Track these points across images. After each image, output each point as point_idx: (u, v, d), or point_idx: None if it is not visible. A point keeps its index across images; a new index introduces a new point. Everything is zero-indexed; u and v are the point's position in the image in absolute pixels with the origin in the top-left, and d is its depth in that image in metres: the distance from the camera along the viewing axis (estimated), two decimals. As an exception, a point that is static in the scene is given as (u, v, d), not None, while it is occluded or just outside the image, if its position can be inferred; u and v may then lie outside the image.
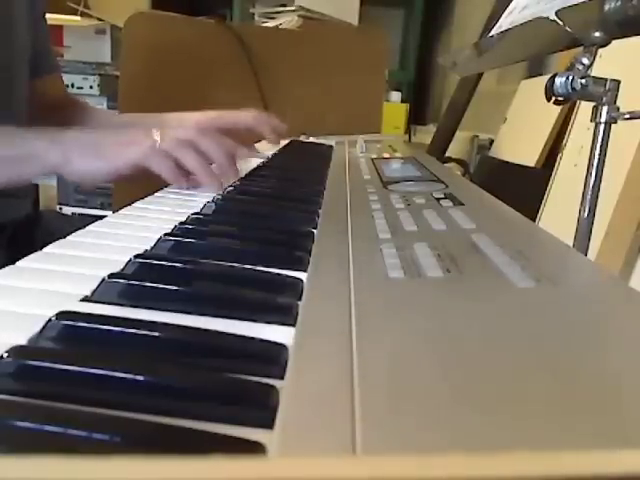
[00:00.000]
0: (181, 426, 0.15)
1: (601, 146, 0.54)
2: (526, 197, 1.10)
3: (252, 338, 0.20)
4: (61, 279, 0.26)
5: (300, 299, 0.24)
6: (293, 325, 0.21)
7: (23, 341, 0.20)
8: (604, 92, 0.52)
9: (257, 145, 0.84)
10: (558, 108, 1.28)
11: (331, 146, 0.91)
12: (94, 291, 0.24)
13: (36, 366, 0.17)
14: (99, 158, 0.50)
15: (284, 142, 0.94)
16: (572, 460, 0.11)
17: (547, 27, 0.50)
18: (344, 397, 0.15)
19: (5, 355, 0.17)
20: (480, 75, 1.74)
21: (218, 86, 1.16)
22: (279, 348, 0.19)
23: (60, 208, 1.76)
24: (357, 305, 0.22)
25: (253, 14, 1.63)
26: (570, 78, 0.51)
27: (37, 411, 0.16)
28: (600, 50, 0.52)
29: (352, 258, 0.28)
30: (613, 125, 0.54)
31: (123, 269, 0.27)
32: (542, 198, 1.19)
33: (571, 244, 0.56)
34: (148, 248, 0.31)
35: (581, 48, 0.52)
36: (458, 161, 1.83)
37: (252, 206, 0.44)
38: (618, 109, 0.53)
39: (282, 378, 0.17)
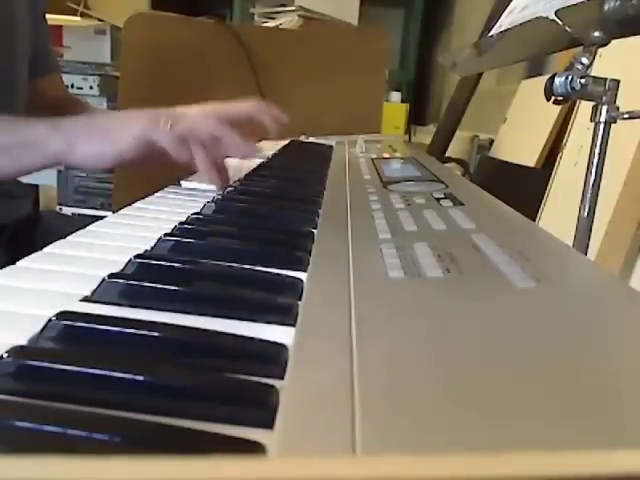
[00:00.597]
0: (181, 426, 0.15)
1: (601, 146, 0.54)
2: (526, 197, 1.10)
3: (252, 338, 0.20)
4: (61, 279, 0.26)
5: (300, 299, 0.24)
6: (293, 325, 0.21)
7: (23, 341, 0.20)
8: (604, 92, 0.52)
9: (258, 145, 0.84)
10: (558, 108, 1.28)
11: (331, 146, 0.91)
12: (94, 291, 0.24)
13: (36, 366, 0.17)
14: (104, 140, 0.49)
15: (284, 142, 0.94)
16: (572, 460, 0.11)
17: (547, 27, 0.50)
18: (344, 397, 0.15)
19: (5, 355, 0.17)
20: (480, 75, 1.74)
21: (218, 86, 1.16)
22: (279, 348, 0.19)
23: (60, 208, 1.76)
24: (357, 305, 0.22)
25: (253, 14, 1.64)
26: (570, 78, 0.51)
27: (37, 411, 0.16)
28: (600, 50, 0.52)
29: (352, 258, 0.28)
30: (613, 125, 0.54)
31: (123, 269, 0.27)
32: (542, 198, 1.19)
33: (571, 244, 0.56)
34: (148, 248, 0.31)
35: (581, 48, 0.52)
36: (458, 161, 1.83)
37: (252, 206, 0.44)
38: (618, 109, 0.53)
39: (282, 378, 0.17)
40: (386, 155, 0.71)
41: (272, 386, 0.17)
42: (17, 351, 0.18)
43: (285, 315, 0.22)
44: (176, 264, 0.27)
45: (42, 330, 0.20)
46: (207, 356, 0.20)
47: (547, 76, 0.53)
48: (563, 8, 0.48)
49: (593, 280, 0.26)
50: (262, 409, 0.16)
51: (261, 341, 0.20)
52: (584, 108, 1.09)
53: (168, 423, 0.15)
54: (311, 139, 1.03)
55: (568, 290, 0.24)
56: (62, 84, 0.84)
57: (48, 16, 0.77)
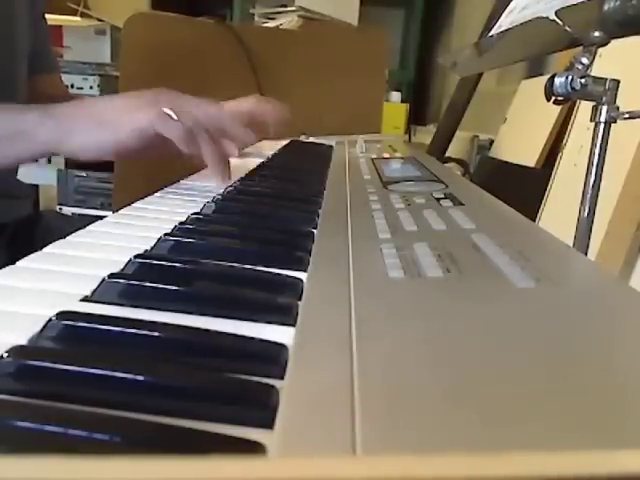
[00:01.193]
0: (181, 426, 0.15)
1: (601, 146, 0.54)
2: (526, 197, 1.10)
3: (252, 338, 0.20)
4: (61, 279, 0.26)
5: (300, 299, 0.24)
6: (293, 325, 0.21)
7: (23, 341, 0.20)
8: (604, 92, 0.52)
9: (258, 145, 0.84)
10: (558, 108, 1.28)
11: (331, 146, 0.91)
12: (94, 291, 0.24)
13: (36, 366, 0.17)
14: (102, 128, 0.45)
15: (284, 142, 0.94)
16: (572, 460, 0.11)
17: (547, 27, 0.50)
18: (344, 397, 0.15)
19: (5, 355, 0.17)
20: (480, 75, 1.74)
21: (218, 86, 1.16)
22: (279, 348, 0.19)
23: (60, 208, 1.76)
24: (357, 305, 0.22)
25: (253, 14, 1.63)
26: (570, 78, 0.51)
27: (37, 411, 0.16)
28: (599, 50, 0.52)
29: (352, 258, 0.28)
30: (613, 125, 0.54)
31: (123, 269, 0.27)
32: (542, 198, 1.19)
33: (571, 244, 0.56)
34: (148, 248, 0.31)
35: (580, 48, 0.52)
36: (458, 161, 1.83)
37: (252, 206, 0.44)
38: (618, 109, 0.53)
39: (282, 378, 0.17)
40: (386, 155, 0.71)
41: (272, 386, 0.17)
42: (17, 351, 0.18)
43: (285, 315, 0.22)
44: (176, 264, 0.27)
45: (42, 330, 0.20)
46: (207, 356, 0.20)
47: (547, 76, 0.53)
48: (563, 8, 0.48)
49: (593, 280, 0.26)
50: (262, 409, 0.16)
51: (261, 341, 0.20)
52: (584, 108, 1.09)
53: (168, 423, 0.15)
54: (311, 139, 1.03)
55: (568, 290, 0.24)
56: (62, 84, 0.84)
57: (48, 16, 0.77)
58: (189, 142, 0.46)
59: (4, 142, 0.45)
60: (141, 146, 0.45)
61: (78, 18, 1.84)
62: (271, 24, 1.45)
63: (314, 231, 0.35)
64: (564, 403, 0.15)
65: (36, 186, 1.66)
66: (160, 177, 0.51)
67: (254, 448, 0.14)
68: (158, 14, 1.29)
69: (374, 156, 0.71)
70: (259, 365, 0.18)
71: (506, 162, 1.52)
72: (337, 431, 0.14)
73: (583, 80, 0.51)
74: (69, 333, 0.20)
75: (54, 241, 0.31)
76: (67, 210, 1.75)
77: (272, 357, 0.19)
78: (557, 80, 0.51)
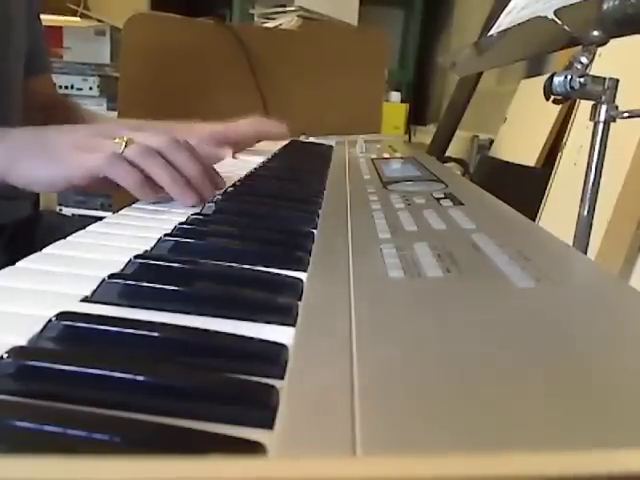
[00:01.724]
0: (181, 426, 0.15)
1: (600, 145, 0.54)
2: (526, 197, 1.10)
3: (252, 338, 0.20)
4: (61, 280, 0.26)
5: (300, 299, 0.24)
6: (293, 325, 0.21)
7: (23, 342, 0.20)
8: (603, 91, 0.52)
9: (257, 145, 0.84)
10: (557, 107, 1.28)
11: (331, 146, 0.91)
12: (94, 291, 0.24)
13: (36, 366, 0.17)
14: (51, 162, 0.42)
15: (284, 142, 0.94)
16: (572, 460, 0.11)
17: (546, 26, 0.50)
18: (344, 397, 0.15)
19: (5, 355, 0.17)
20: (480, 75, 1.74)
21: (218, 87, 1.16)
22: (279, 348, 0.19)
23: (60, 209, 1.76)
24: (357, 305, 0.22)
25: (253, 15, 1.64)
26: (569, 77, 0.51)
27: (37, 411, 0.16)
28: (599, 49, 0.52)
29: (352, 258, 0.28)
30: (612, 124, 0.54)
31: (123, 269, 0.27)
32: (542, 198, 1.19)
33: (571, 243, 0.56)
34: (148, 248, 0.31)
35: (580, 47, 0.52)
36: (458, 161, 1.83)
37: (252, 206, 0.44)
38: (617, 108, 0.53)
39: (282, 378, 0.17)
40: (386, 155, 0.71)
41: (272, 386, 0.17)
42: (17, 351, 0.18)
43: (285, 315, 0.22)
44: (176, 264, 0.27)
45: (42, 330, 0.20)
46: (207, 356, 0.20)
47: (547, 76, 0.53)
48: (562, 7, 0.48)
49: (593, 280, 0.26)
50: (262, 409, 0.16)
51: (261, 341, 0.20)
52: (583, 107, 1.09)
53: (168, 423, 0.15)
54: (311, 139, 1.03)
55: (568, 290, 0.24)
56: (53, 84, 0.83)
57: (48, 17, 0.77)
58: (142, 190, 0.42)
59: None
60: (93, 186, 0.43)
61: (78, 19, 1.84)
62: (271, 24, 1.45)
63: (314, 231, 0.35)
64: (564, 403, 0.15)
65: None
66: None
67: (254, 448, 0.14)
68: (158, 15, 1.29)
69: (374, 156, 0.71)
70: (259, 365, 0.18)
71: (506, 162, 1.52)
72: (337, 431, 0.14)
73: (582, 79, 0.51)
74: (69, 334, 0.20)
75: (54, 242, 0.31)
76: (67, 211, 1.75)
77: (272, 357, 0.19)
78: (556, 79, 0.51)
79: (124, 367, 0.17)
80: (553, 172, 1.18)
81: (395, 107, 2.35)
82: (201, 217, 0.39)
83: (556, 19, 0.48)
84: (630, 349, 0.18)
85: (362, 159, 0.69)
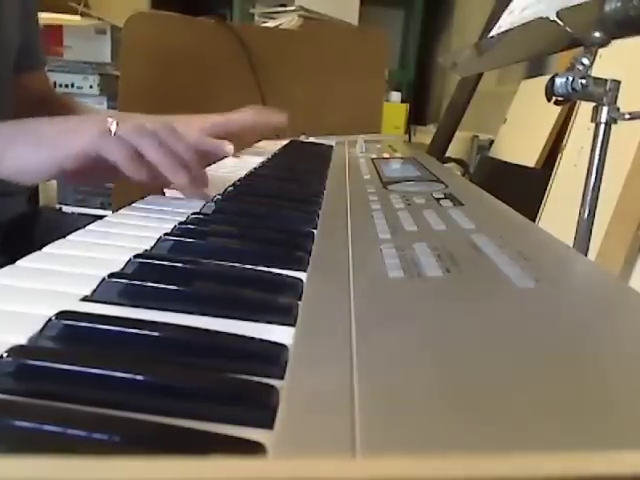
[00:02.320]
0: (181, 426, 0.15)
1: (601, 146, 0.54)
2: (526, 197, 1.10)
3: (252, 338, 0.20)
4: (61, 279, 0.26)
5: (300, 299, 0.24)
6: (293, 325, 0.21)
7: (23, 341, 0.20)
8: (604, 92, 0.52)
9: (257, 145, 0.84)
10: (558, 108, 1.28)
11: (331, 146, 0.91)
12: (94, 291, 0.24)
13: (36, 366, 0.17)
14: (40, 147, 0.41)
15: (284, 142, 0.94)
16: (572, 460, 0.11)
17: (547, 27, 0.50)
18: (344, 397, 0.15)
19: (5, 355, 0.17)
20: (480, 75, 1.74)
21: (218, 86, 1.16)
22: (279, 348, 0.19)
23: (60, 208, 1.76)
24: (357, 305, 0.22)
25: (253, 14, 1.63)
26: (570, 78, 0.51)
27: (37, 411, 0.16)
28: (600, 50, 0.52)
29: (352, 258, 0.28)
30: (613, 125, 0.54)
31: (123, 269, 0.27)
32: (542, 198, 1.19)
33: (571, 244, 0.56)
34: (148, 248, 0.31)
35: (581, 48, 0.52)
36: (458, 161, 1.83)
37: (252, 206, 0.44)
38: (618, 109, 0.53)
39: (282, 378, 0.17)
40: (386, 155, 0.71)
41: (272, 386, 0.17)
42: (17, 351, 0.18)
43: (285, 315, 0.22)
44: (176, 264, 0.27)
45: (42, 330, 0.20)
46: (207, 356, 0.20)
47: (547, 76, 0.53)
48: (564, 9, 0.48)
49: (593, 280, 0.26)
50: (262, 409, 0.16)
51: (261, 341, 0.20)
52: (584, 109, 1.09)
53: (168, 423, 0.15)
54: (311, 139, 1.03)
55: (567, 290, 0.24)
56: (47, 80, 0.83)
57: (49, 15, 0.77)
58: (133, 165, 0.40)
59: None
60: (83, 169, 0.41)
61: (78, 17, 1.84)
62: (271, 24, 1.45)
63: (314, 231, 0.35)
64: (564, 403, 0.15)
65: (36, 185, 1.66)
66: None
67: (254, 448, 0.14)
68: (158, 13, 1.29)
69: (374, 156, 0.71)
70: (259, 365, 0.18)
71: (506, 162, 1.52)
72: (337, 431, 0.14)
73: (584, 81, 0.51)
74: (69, 333, 0.20)
75: (53, 240, 0.31)
76: (67, 209, 1.75)
77: (272, 357, 0.19)
78: (558, 81, 0.51)
79: (124, 367, 0.17)
80: (553, 173, 1.18)
81: (395, 107, 2.35)
82: (201, 217, 0.39)
83: (558, 20, 0.48)
84: (630, 349, 0.18)
85: (362, 159, 0.69)
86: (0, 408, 0.16)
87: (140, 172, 0.41)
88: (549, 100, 0.53)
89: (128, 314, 0.22)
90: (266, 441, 0.14)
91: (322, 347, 0.19)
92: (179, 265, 0.27)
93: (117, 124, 0.41)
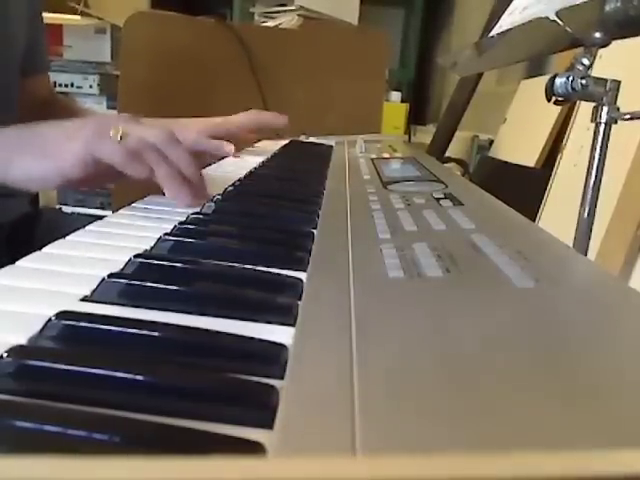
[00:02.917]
0: (181, 426, 0.15)
1: (601, 146, 0.54)
2: (526, 197, 1.10)
3: (252, 338, 0.20)
4: (61, 279, 0.26)
5: (300, 299, 0.24)
6: (293, 325, 0.21)
7: (23, 341, 0.20)
8: (604, 92, 0.52)
9: (257, 145, 0.84)
10: (558, 108, 1.28)
11: (331, 146, 0.91)
12: (94, 291, 0.24)
13: (36, 366, 0.17)
14: (43, 158, 0.42)
15: (284, 142, 0.94)
16: (572, 460, 0.11)
17: (547, 27, 0.50)
18: (344, 397, 0.15)
19: (5, 355, 0.17)
20: (480, 75, 1.74)
21: (218, 86, 1.16)
22: (279, 348, 0.19)
23: (60, 208, 1.76)
24: (357, 305, 0.22)
25: (253, 14, 1.63)
26: (570, 78, 0.51)
27: (37, 411, 0.16)
28: (600, 50, 0.52)
29: (352, 258, 0.28)
30: (613, 125, 0.54)
31: (123, 269, 0.27)
32: (542, 198, 1.19)
33: (571, 244, 0.56)
34: (148, 248, 0.31)
35: (581, 48, 0.52)
36: (458, 161, 1.83)
37: (252, 206, 0.44)
38: (618, 109, 0.53)
39: (282, 378, 0.17)
40: (386, 155, 0.71)
41: (272, 386, 0.17)
42: (17, 351, 0.18)
43: (285, 315, 0.22)
44: (176, 264, 0.27)
45: (42, 330, 0.20)
46: (207, 356, 0.20)
47: (547, 76, 0.53)
48: (564, 9, 0.48)
49: (592, 280, 0.26)
50: (262, 409, 0.16)
51: (261, 341, 0.20)
52: (584, 109, 1.09)
53: (168, 423, 0.15)
54: (311, 139, 1.03)
55: (567, 290, 0.24)
56: (49, 83, 0.83)
57: (48, 15, 0.77)
58: (130, 163, 0.40)
59: None
60: (87, 175, 0.42)
61: (78, 17, 1.84)
62: (271, 23, 1.45)
63: (314, 231, 0.35)
64: (564, 403, 0.15)
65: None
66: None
67: (254, 448, 0.14)
68: (158, 13, 1.29)
69: (374, 156, 0.71)
70: (259, 365, 0.18)
71: (506, 162, 1.52)
72: (337, 431, 0.14)
73: (584, 81, 0.51)
74: (69, 333, 0.20)
75: (54, 240, 0.31)
76: (67, 210, 1.75)
77: (272, 357, 0.19)
78: (558, 81, 0.51)
79: (124, 367, 0.17)
80: (553, 173, 1.18)
81: (395, 107, 2.35)
82: (201, 217, 0.39)
83: (558, 20, 0.48)
84: (630, 349, 0.18)
85: (362, 159, 0.69)
86: (0, 408, 0.16)
87: (140, 170, 0.41)
88: (549, 100, 0.53)
89: (128, 314, 0.22)
90: (266, 441, 0.14)
91: (322, 347, 0.19)
92: (179, 265, 0.27)
93: (121, 137, 0.41)
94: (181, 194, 0.42)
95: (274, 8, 1.48)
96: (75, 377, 0.17)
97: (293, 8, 1.35)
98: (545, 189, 1.19)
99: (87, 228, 0.35)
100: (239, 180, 0.55)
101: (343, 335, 0.19)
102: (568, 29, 0.49)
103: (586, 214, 0.55)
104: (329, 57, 1.31)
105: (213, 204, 0.43)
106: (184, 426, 0.15)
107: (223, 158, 0.54)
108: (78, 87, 1.82)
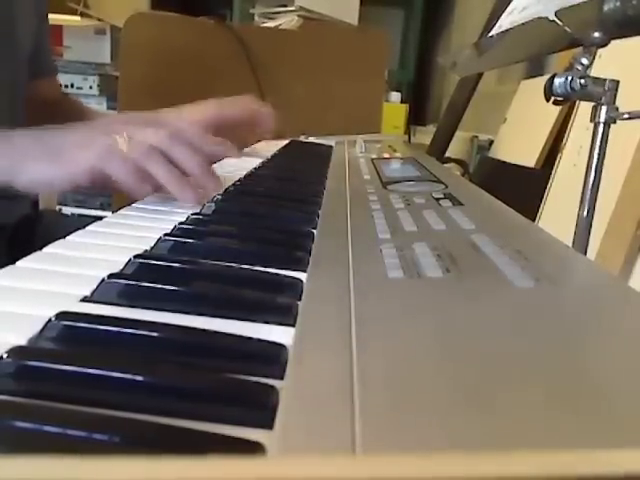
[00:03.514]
0: (181, 426, 0.15)
1: (600, 146, 0.54)
2: (526, 197, 1.10)
3: (251, 338, 0.20)
4: (61, 279, 0.26)
5: (300, 299, 0.24)
6: (293, 325, 0.21)
7: (23, 341, 0.20)
8: (603, 92, 0.52)
9: (257, 145, 0.84)
10: (557, 108, 1.28)
11: (331, 146, 0.91)
12: (94, 291, 0.24)
13: (36, 366, 0.17)
14: (53, 163, 0.43)
15: (284, 142, 0.94)
16: (572, 460, 0.11)
17: (547, 27, 0.50)
18: (344, 397, 0.15)
19: (5, 355, 0.17)
20: (480, 75, 1.74)
21: (218, 86, 1.16)
22: (279, 348, 0.19)
23: (60, 209, 1.76)
24: (357, 305, 0.22)
25: (253, 14, 1.63)
26: (569, 78, 0.51)
27: (37, 411, 0.16)
28: (599, 50, 0.52)
29: (352, 258, 0.28)
30: (612, 125, 0.54)
31: (123, 269, 0.27)
32: (542, 198, 1.19)
33: (571, 244, 0.56)
34: (148, 248, 0.31)
35: (580, 48, 0.53)
36: (458, 161, 1.84)
37: (252, 206, 0.44)
38: (617, 109, 0.53)
39: (282, 378, 0.17)
40: (386, 155, 0.71)
41: (272, 386, 0.17)
42: (17, 351, 0.18)
43: (285, 315, 0.22)
44: (176, 264, 0.27)
45: (42, 330, 0.20)
46: (207, 356, 0.20)
47: (547, 76, 0.53)
48: (563, 8, 0.48)
49: (592, 280, 0.26)
50: (262, 409, 0.16)
51: (261, 341, 0.20)
52: (584, 109, 1.09)
53: (168, 423, 0.15)
54: (311, 139, 1.03)
55: (567, 290, 0.24)
56: (58, 86, 0.83)
57: (48, 15, 0.77)
58: (134, 183, 0.42)
59: None
60: (95, 184, 0.43)
61: (78, 18, 1.84)
62: (271, 24, 1.45)
63: (314, 231, 0.35)
64: (564, 403, 0.15)
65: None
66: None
67: (254, 448, 0.14)
68: (158, 14, 1.29)
69: (374, 156, 0.71)
70: (259, 365, 0.18)
71: (506, 162, 1.52)
72: (337, 431, 0.14)
73: (583, 81, 0.51)
74: (69, 333, 0.20)
75: (54, 241, 0.31)
76: (67, 210, 1.75)
77: (272, 357, 0.19)
78: (557, 80, 0.51)
79: (124, 367, 0.17)
80: (553, 173, 1.18)
81: (395, 107, 2.35)
82: (201, 217, 0.39)
83: (557, 20, 0.48)
84: (629, 349, 0.18)
85: (362, 159, 0.69)
86: (0, 408, 0.16)
87: (143, 189, 0.43)
88: (548, 100, 0.53)
89: (128, 315, 0.22)
90: (266, 441, 0.14)
91: (322, 347, 0.19)
92: (179, 265, 0.27)
93: (126, 140, 0.42)
94: (186, 194, 0.43)
95: (274, 9, 1.48)
96: (75, 377, 0.17)
97: (293, 9, 1.35)
98: (545, 189, 1.19)
99: (87, 228, 0.35)
100: (239, 180, 0.55)
101: (343, 335, 0.19)
102: (567, 29, 0.49)
103: (585, 214, 0.55)
104: (329, 57, 1.31)
105: (213, 204, 0.43)
106: (184, 426, 0.15)
107: (223, 158, 0.53)
108: (78, 88, 1.83)
